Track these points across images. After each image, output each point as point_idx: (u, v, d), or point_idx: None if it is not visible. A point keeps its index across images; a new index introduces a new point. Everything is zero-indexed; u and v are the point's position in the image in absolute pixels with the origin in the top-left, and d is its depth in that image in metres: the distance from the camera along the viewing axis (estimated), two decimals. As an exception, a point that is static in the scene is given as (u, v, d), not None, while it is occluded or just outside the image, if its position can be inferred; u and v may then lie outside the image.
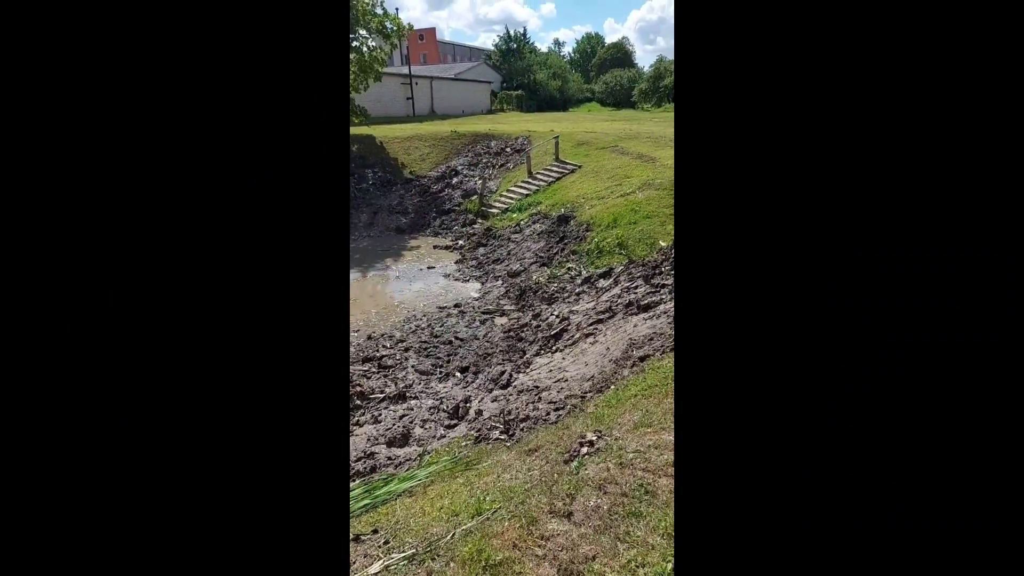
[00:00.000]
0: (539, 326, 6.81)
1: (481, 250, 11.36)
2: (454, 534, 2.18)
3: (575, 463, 2.52)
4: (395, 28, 16.26)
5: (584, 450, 2.59)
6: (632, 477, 2.20)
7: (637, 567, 1.75)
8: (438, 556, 2.02)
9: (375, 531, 2.75)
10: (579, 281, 8.02)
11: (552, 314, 7.03)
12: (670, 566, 1.68)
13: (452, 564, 1.90)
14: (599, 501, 2.09)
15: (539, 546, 1.91)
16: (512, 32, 41.62)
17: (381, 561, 2.17)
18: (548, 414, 4.06)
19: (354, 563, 2.38)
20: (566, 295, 7.68)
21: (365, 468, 4.18)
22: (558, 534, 1.97)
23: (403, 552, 2.22)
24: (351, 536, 2.74)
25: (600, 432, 2.75)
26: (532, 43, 42.55)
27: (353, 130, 17.19)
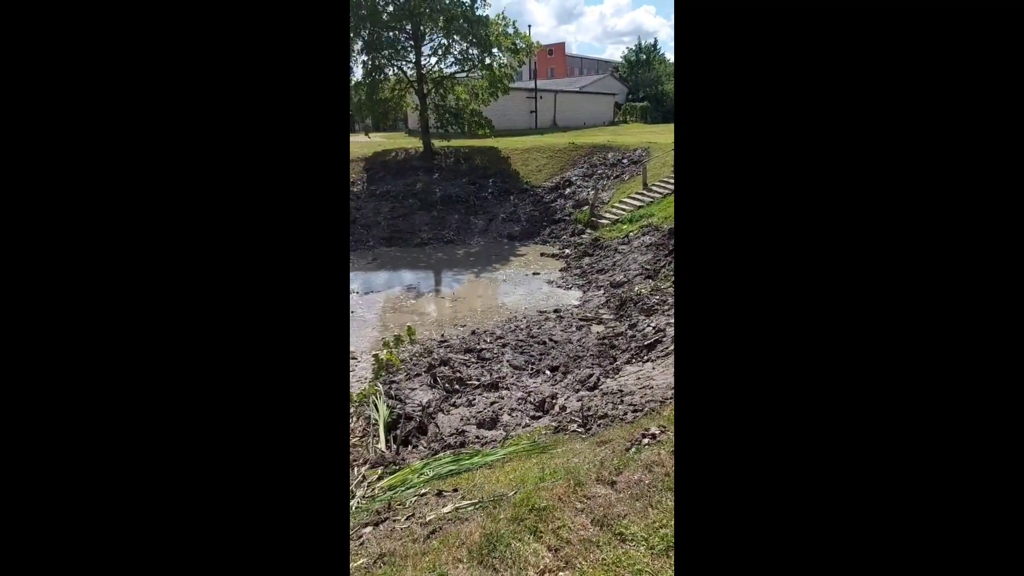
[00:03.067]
0: (634, 336, 6.84)
1: (587, 259, 11.55)
2: (516, 491, 2.49)
3: (633, 449, 2.67)
4: (525, 46, 17.21)
5: (645, 440, 2.73)
6: (681, 466, 2.31)
7: (660, 527, 1.94)
8: (498, 505, 2.35)
9: (455, 490, 3.18)
10: (682, 295, 7.84)
11: (649, 325, 7.01)
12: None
13: (506, 508, 2.22)
14: (642, 476, 2.26)
15: (580, 502, 2.15)
16: (642, 43, 41.05)
17: (453, 504, 2.57)
18: (626, 414, 4.18)
19: (435, 506, 2.82)
20: (666, 308, 7.57)
21: (455, 443, 4.67)
22: (599, 496, 2.18)
23: (471, 501, 2.59)
24: (435, 491, 3.19)
25: (664, 427, 2.87)
26: (662, 53, 41.48)
27: (477, 142, 18.48)
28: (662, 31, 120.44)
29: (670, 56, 47.66)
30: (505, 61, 17.25)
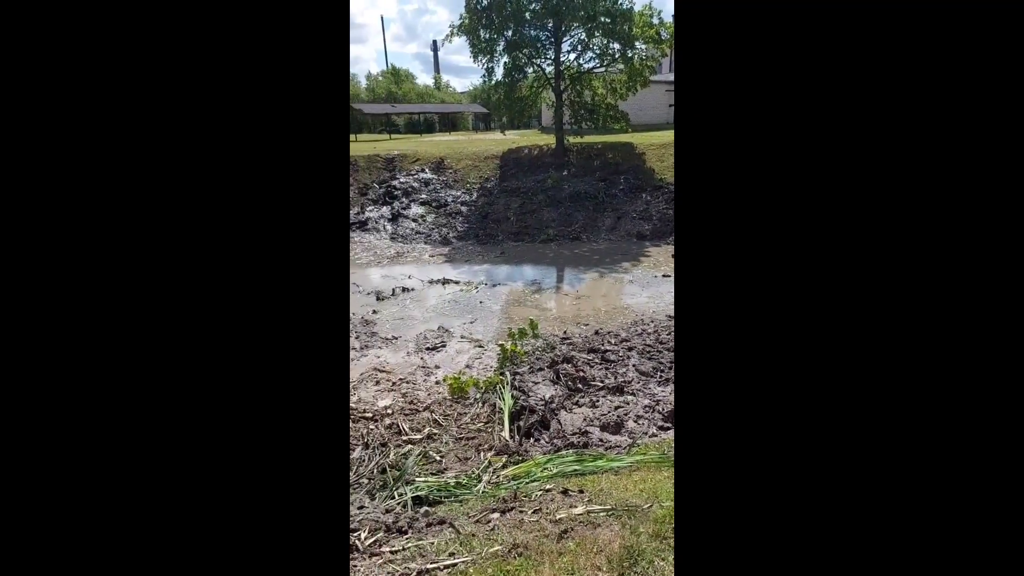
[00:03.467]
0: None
1: (725, 265, 10.66)
2: (652, 505, 2.36)
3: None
4: (669, 36, 16.37)
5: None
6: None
7: None
8: (634, 516, 2.25)
9: (581, 491, 3.13)
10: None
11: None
12: None
13: (645, 521, 2.11)
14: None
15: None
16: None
17: (583, 506, 2.52)
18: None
19: (563, 505, 2.80)
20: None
21: (579, 442, 4.63)
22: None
23: (603, 506, 2.52)
24: (561, 489, 3.18)
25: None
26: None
27: (611, 138, 18.07)
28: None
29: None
30: (646, 54, 16.57)
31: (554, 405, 5.35)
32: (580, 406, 5.43)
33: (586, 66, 17.22)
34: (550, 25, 16.45)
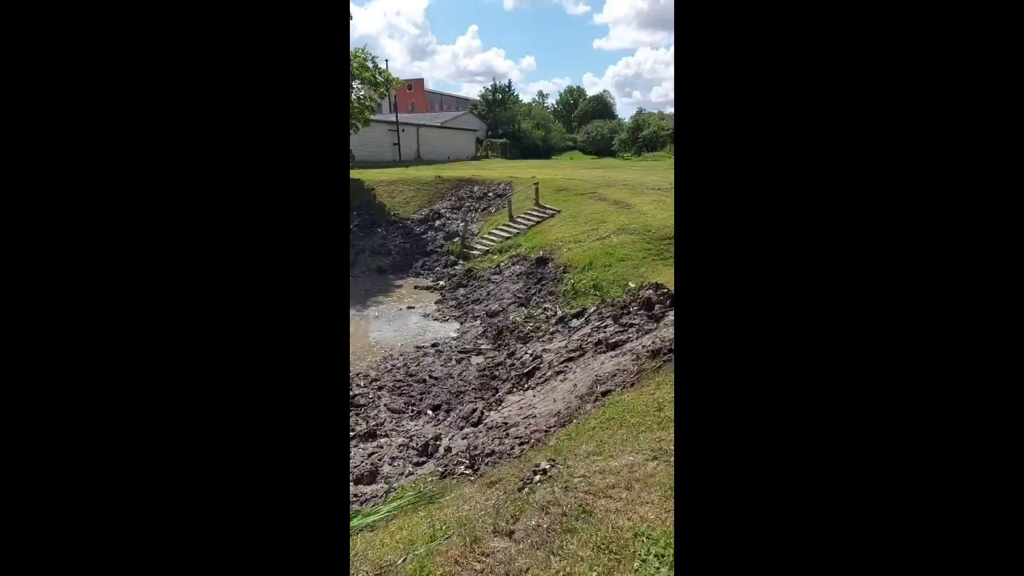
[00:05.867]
0: (513, 364, 6.92)
1: (461, 291, 11.55)
2: (405, 558, 2.25)
3: (526, 489, 2.61)
4: (384, 80, 17.09)
5: (536, 477, 2.69)
6: (574, 499, 2.31)
7: (564, 576, 1.85)
8: (387, 578, 2.09)
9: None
10: (554, 321, 8.21)
11: (526, 353, 7.16)
12: (595, 574, 1.79)
13: (397, 582, 1.98)
14: (539, 520, 2.20)
15: (479, 561, 2.00)
16: (497, 83, 43.69)
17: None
18: (513, 448, 4.13)
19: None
20: (541, 334, 7.84)
21: (330, 506, 4.17)
22: (498, 550, 2.06)
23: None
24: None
25: (553, 460, 2.87)
26: (516, 94, 44.59)
27: (339, 174, 17.61)
28: (512, 72, 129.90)
29: (523, 97, 51.33)
30: (363, 94, 16.91)
31: (299, 472, 4.71)
32: (331, 464, 4.94)
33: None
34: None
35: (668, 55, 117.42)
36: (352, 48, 16.27)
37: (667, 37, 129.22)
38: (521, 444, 4.19)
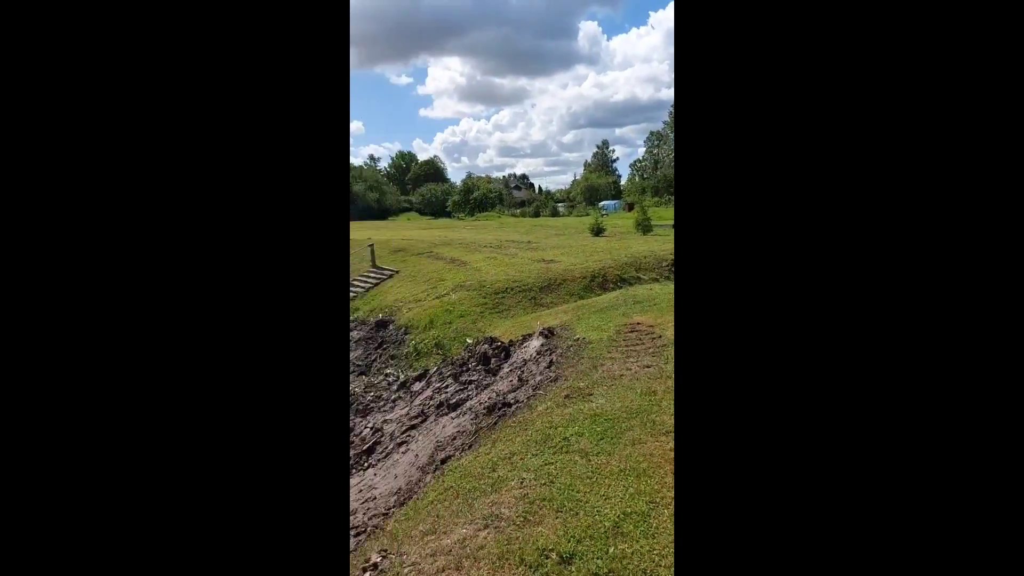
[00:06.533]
0: (352, 442, 6.35)
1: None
2: None
3: (353, 595, 2.31)
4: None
5: (367, 575, 2.42)
6: (403, 594, 2.12)
7: None
8: None
9: None
10: (395, 387, 7.87)
11: (366, 427, 6.66)
12: None
13: None
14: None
15: None
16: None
17: None
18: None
19: None
20: (382, 404, 7.42)
21: None
22: None
23: None
24: None
25: (386, 552, 2.62)
26: (347, 158, 44.11)
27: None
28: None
29: (354, 160, 51.01)
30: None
31: None
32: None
33: None
34: None
35: (489, 125, 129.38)
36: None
37: (486, 109, 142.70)
38: (357, 535, 3.77)
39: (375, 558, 2.58)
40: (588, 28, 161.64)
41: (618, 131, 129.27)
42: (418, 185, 46.81)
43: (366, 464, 5.59)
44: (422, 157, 55.93)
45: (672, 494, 2.72)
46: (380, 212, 39.63)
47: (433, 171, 50.97)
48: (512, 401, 4.88)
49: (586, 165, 58.24)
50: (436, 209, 42.39)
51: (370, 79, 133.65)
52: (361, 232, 19.43)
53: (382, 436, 6.10)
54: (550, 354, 6.11)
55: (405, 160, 56.24)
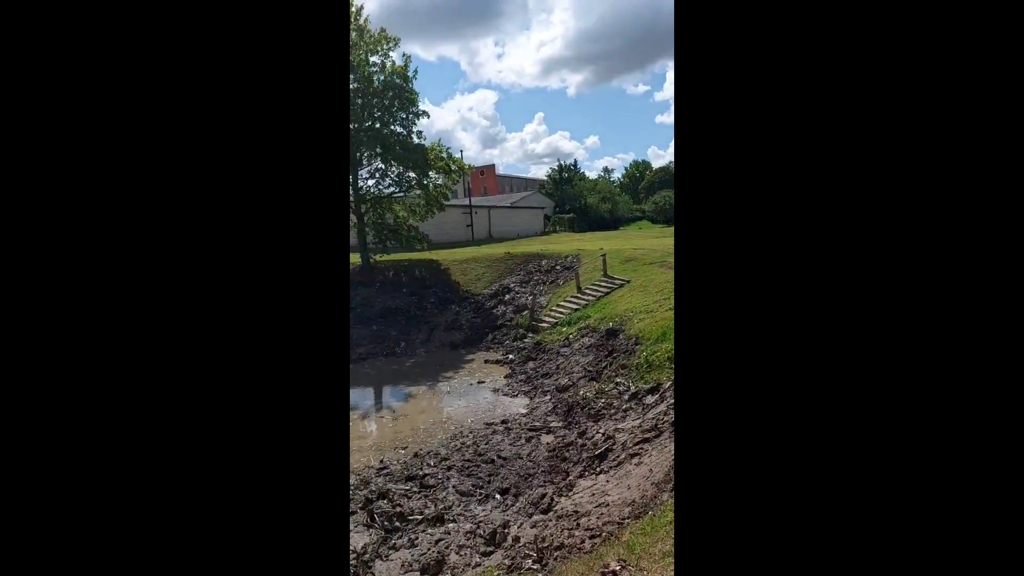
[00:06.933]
0: (584, 445, 6.60)
1: (531, 364, 11.47)
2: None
3: (594, 595, 2.38)
4: (458, 168, 18.58)
5: (605, 581, 2.46)
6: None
7: None
8: None
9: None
10: (626, 397, 7.84)
11: (598, 432, 6.82)
12: None
13: None
14: (606, 637, 1.96)
15: None
16: (563, 163, 45.83)
17: None
18: (583, 542, 3.83)
19: None
20: (613, 411, 7.48)
21: (396, 597, 4.04)
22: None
23: None
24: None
25: (625, 562, 2.61)
26: (582, 172, 46.42)
27: (416, 255, 18.90)
28: (577, 152, 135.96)
29: (590, 174, 53.28)
30: (440, 182, 18.40)
31: (367, 556, 4.65)
32: (398, 549, 4.84)
33: (386, 191, 18.21)
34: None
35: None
36: (429, 143, 18.00)
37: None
38: (592, 537, 3.88)
39: (614, 565, 2.60)
40: None
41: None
42: (651, 193, 46.01)
43: (598, 469, 5.72)
44: (657, 164, 54.77)
45: None
46: (612, 222, 40.37)
47: (668, 177, 49.35)
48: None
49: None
50: (669, 216, 40.86)
51: (607, 93, 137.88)
52: (592, 243, 20.14)
53: (613, 444, 6.15)
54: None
55: (639, 169, 56.04)
